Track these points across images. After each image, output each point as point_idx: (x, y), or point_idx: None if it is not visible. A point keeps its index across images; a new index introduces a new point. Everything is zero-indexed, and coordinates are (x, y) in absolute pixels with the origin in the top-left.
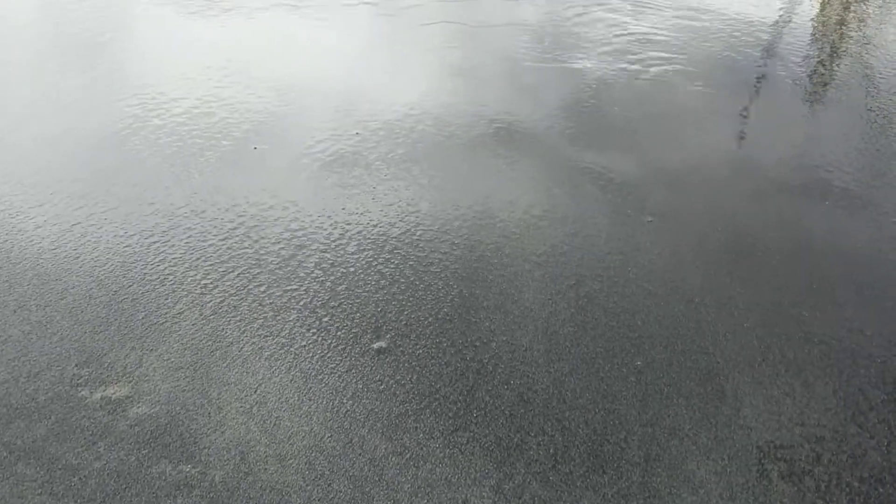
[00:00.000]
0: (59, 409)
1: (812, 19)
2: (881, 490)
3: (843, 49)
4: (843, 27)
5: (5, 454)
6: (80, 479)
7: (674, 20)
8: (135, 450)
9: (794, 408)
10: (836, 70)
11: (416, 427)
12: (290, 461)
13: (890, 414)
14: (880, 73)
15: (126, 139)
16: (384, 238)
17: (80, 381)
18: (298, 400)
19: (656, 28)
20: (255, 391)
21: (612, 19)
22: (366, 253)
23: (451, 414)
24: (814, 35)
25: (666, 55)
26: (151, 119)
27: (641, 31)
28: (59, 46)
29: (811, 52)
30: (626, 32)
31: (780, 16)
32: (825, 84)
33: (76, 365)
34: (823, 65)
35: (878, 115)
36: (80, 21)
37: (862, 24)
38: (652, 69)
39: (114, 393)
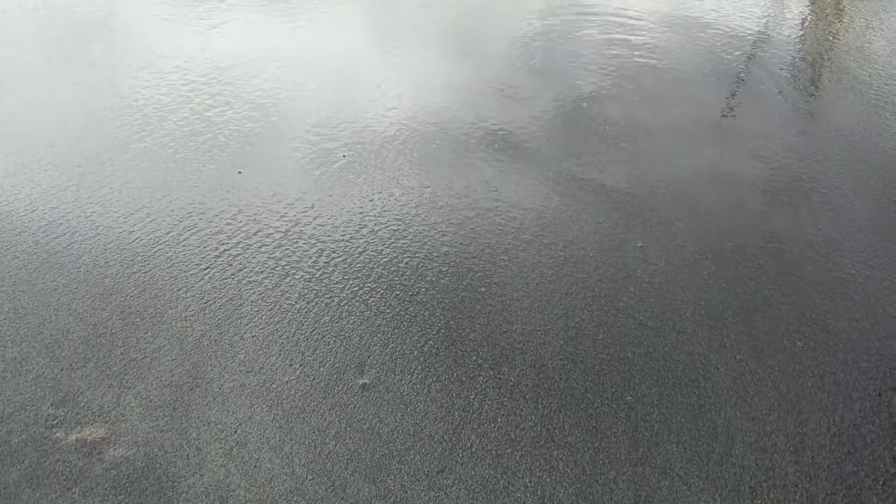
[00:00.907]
0: (32, 453)
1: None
2: None
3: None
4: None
5: None
6: None
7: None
8: (111, 495)
9: (787, 444)
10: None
11: (401, 469)
12: None
13: (885, 451)
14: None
15: (108, 161)
16: (370, 266)
17: (55, 423)
18: (280, 441)
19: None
20: (236, 431)
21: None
22: (351, 282)
23: (436, 454)
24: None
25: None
26: (133, 142)
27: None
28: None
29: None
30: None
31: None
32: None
33: (51, 405)
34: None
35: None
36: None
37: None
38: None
39: (90, 434)
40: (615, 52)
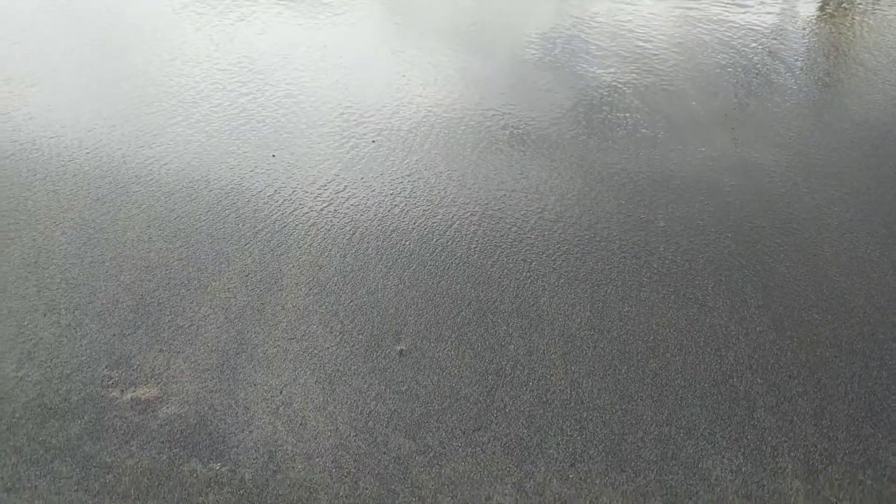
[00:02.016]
0: (91, 409)
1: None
2: (895, 489)
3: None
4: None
5: (41, 452)
6: (114, 476)
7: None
8: (166, 448)
9: (807, 408)
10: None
11: (439, 427)
12: (317, 459)
13: None
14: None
15: (146, 144)
16: (402, 243)
17: (110, 383)
18: (323, 401)
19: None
20: (281, 392)
21: None
22: (384, 258)
23: (471, 414)
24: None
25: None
26: (170, 126)
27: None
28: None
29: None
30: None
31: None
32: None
33: (106, 367)
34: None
35: None
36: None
37: None
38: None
39: (143, 394)
40: (635, 43)
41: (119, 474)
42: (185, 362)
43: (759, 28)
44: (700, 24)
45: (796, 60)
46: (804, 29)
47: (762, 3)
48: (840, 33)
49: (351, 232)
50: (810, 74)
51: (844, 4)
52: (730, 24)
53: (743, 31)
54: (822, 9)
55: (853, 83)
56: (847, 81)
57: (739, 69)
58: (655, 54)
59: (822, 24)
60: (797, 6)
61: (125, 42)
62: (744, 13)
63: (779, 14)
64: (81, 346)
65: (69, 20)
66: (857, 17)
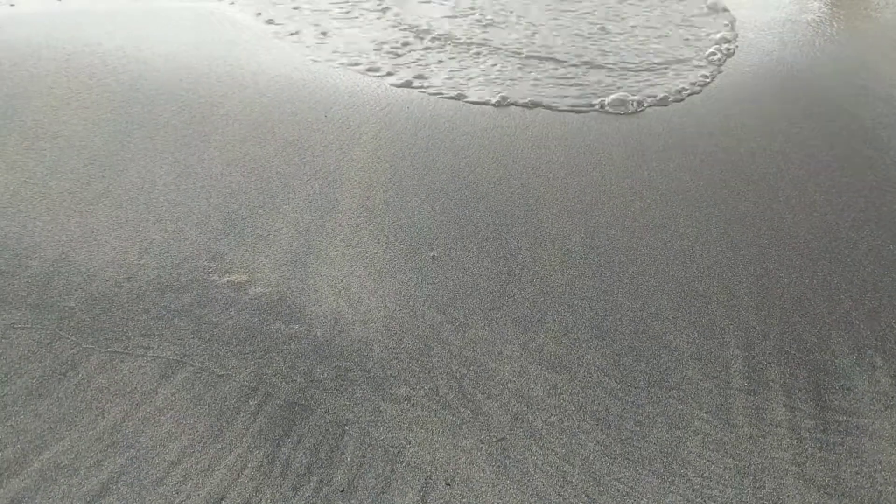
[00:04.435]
0: (197, 287)
1: None
2: (812, 357)
3: None
4: None
5: (164, 312)
6: (220, 330)
7: None
8: (257, 314)
9: (750, 302)
10: None
11: (463, 305)
12: (371, 325)
13: None
14: None
15: (217, 105)
16: (434, 181)
17: (210, 270)
18: (374, 287)
19: None
20: (342, 281)
21: None
22: (419, 193)
23: (489, 300)
24: None
25: None
26: (235, 92)
27: None
28: None
29: None
30: None
31: None
32: None
33: (205, 259)
34: None
35: None
36: None
37: None
38: None
39: (236, 279)
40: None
41: (223, 329)
42: (266, 259)
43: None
44: None
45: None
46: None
47: None
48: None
49: (391, 174)
50: None
51: None
52: None
53: None
54: None
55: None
56: None
57: None
58: None
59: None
60: None
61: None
62: None
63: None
64: (185, 245)
65: None
66: None
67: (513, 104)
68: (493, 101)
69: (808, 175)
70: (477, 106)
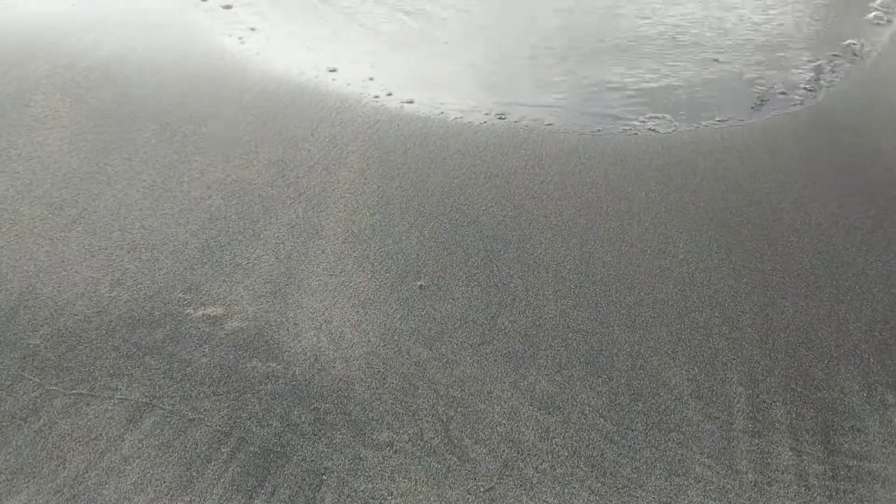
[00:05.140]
0: (171, 322)
1: None
2: (820, 395)
3: None
4: None
5: (134, 350)
6: (192, 368)
7: None
8: (232, 351)
9: (754, 335)
10: None
11: (451, 340)
12: (353, 362)
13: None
14: None
15: (210, 118)
16: (423, 203)
17: (185, 303)
18: (357, 320)
19: None
20: (323, 314)
21: None
22: (407, 216)
23: (478, 333)
24: None
25: None
26: (230, 103)
27: None
28: None
29: None
30: None
31: None
32: None
33: (181, 291)
34: None
35: None
36: None
37: None
38: None
39: (212, 312)
40: None
41: (196, 367)
42: (244, 290)
43: None
44: None
45: None
46: None
47: None
48: None
49: (379, 195)
50: None
51: None
52: None
53: None
54: None
55: None
56: None
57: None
58: None
59: None
60: None
61: None
62: None
63: None
64: (160, 275)
65: None
66: None
67: (508, 120)
68: (487, 116)
69: (810, 194)
70: (468, 122)
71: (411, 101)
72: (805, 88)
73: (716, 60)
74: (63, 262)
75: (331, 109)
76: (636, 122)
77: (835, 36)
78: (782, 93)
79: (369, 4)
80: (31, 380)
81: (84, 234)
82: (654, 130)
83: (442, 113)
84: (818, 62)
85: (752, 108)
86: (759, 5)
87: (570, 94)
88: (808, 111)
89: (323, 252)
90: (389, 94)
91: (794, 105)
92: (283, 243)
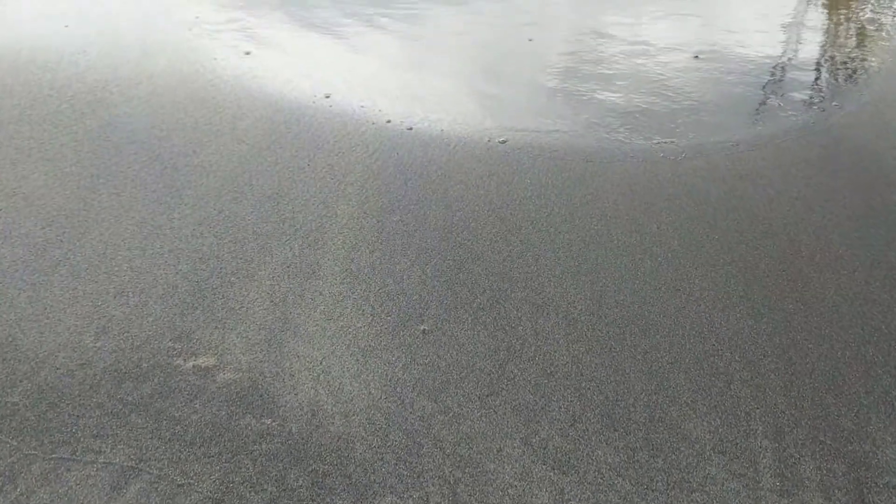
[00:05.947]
0: (159, 374)
1: None
2: (850, 448)
3: None
4: None
5: (120, 407)
6: (182, 427)
7: None
8: (224, 406)
9: (777, 382)
10: None
11: (457, 392)
12: (353, 417)
13: (861, 388)
14: None
15: (201, 151)
16: (424, 240)
17: (174, 353)
18: (358, 370)
19: None
20: (321, 363)
21: None
22: (409, 254)
23: (485, 382)
24: None
25: None
26: (224, 133)
27: None
28: None
29: None
30: None
31: None
32: None
33: (170, 340)
34: None
35: None
36: None
37: None
38: None
39: (203, 362)
40: None
41: (186, 426)
42: (237, 337)
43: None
44: None
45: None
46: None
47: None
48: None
49: (378, 232)
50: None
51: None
52: None
53: None
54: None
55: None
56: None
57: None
58: None
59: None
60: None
61: None
62: None
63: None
64: (148, 322)
65: None
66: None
67: (511, 146)
68: (489, 143)
69: (831, 225)
70: (470, 150)
71: (410, 129)
72: (816, 110)
73: (723, 81)
74: (45, 309)
75: (328, 137)
76: (643, 147)
77: (844, 56)
78: (792, 114)
79: (363, 28)
80: (8, 442)
81: (68, 277)
82: (662, 156)
83: (442, 140)
84: (827, 82)
85: (761, 130)
86: (764, 26)
87: (573, 117)
88: (819, 134)
89: (320, 294)
90: (388, 122)
91: (805, 127)
92: (278, 284)
